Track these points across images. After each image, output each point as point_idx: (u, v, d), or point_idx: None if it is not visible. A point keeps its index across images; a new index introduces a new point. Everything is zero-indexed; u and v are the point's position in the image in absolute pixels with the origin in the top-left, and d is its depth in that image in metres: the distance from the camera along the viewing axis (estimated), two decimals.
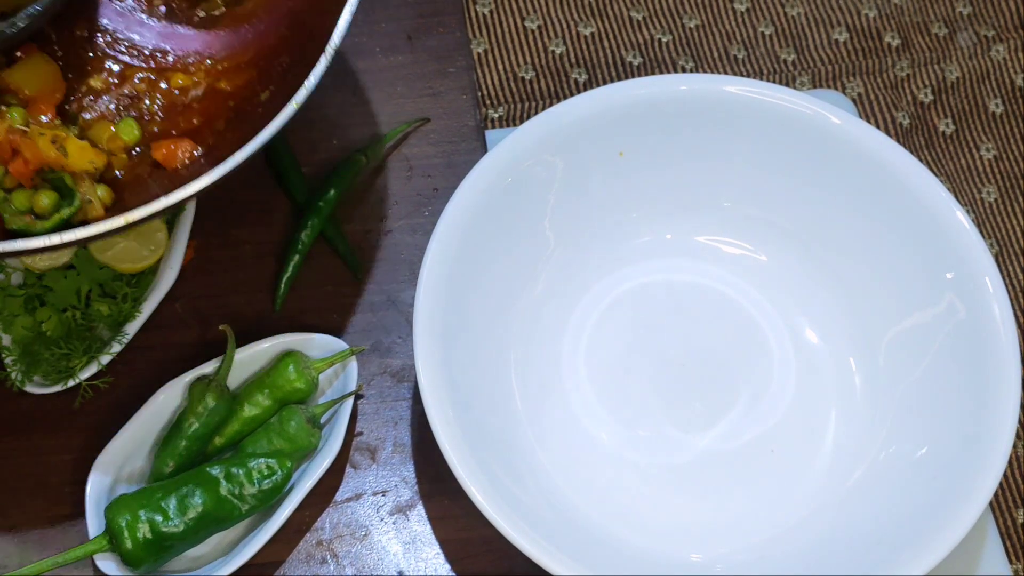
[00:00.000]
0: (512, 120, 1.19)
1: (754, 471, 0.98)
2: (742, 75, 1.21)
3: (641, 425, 0.99)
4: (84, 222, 0.82)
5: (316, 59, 0.82)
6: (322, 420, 0.95)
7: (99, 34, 0.92)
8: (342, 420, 0.94)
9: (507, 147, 0.97)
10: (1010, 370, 0.90)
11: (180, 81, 0.92)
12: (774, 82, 1.09)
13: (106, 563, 0.86)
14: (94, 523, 0.88)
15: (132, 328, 0.97)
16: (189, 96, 0.91)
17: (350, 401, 0.95)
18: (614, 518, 0.94)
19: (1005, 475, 1.06)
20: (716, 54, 1.23)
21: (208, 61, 0.92)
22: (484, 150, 1.10)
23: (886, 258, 0.99)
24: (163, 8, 0.93)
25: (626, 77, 1.21)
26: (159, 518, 0.86)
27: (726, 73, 1.21)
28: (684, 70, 1.22)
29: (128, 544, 0.85)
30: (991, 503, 1.01)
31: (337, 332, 0.99)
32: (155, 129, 0.89)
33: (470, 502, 0.85)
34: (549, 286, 1.02)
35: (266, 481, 0.89)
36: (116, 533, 0.85)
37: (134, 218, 0.76)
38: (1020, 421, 0.93)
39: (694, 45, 1.23)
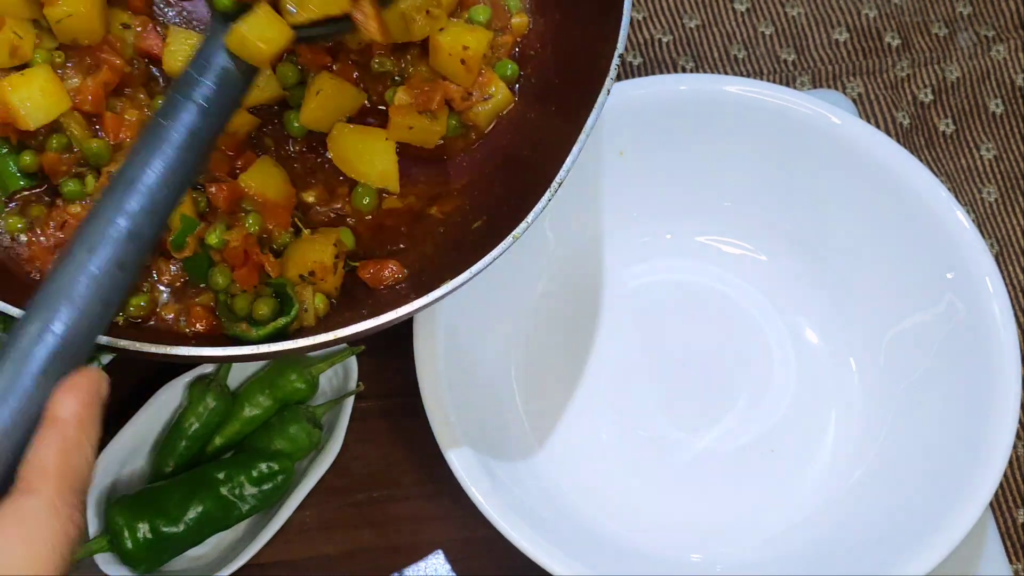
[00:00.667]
0: None
1: (754, 471, 0.98)
2: (742, 75, 1.21)
3: (641, 425, 0.99)
4: (297, 330, 0.81)
5: (533, 189, 0.78)
6: (322, 420, 0.95)
7: (313, 152, 0.89)
8: (342, 420, 0.94)
9: None
10: (1010, 370, 0.90)
11: (390, 203, 0.89)
12: (774, 82, 1.09)
13: (106, 563, 0.86)
14: (94, 523, 0.88)
15: None
16: (397, 219, 0.89)
17: (350, 401, 0.95)
18: (614, 518, 0.94)
19: (1005, 475, 1.06)
20: (716, 54, 1.23)
21: (420, 186, 0.90)
22: None
23: (886, 258, 0.99)
24: None
25: (626, 77, 1.21)
26: (159, 518, 0.86)
27: (726, 73, 1.21)
28: (684, 70, 1.22)
29: (128, 544, 0.85)
30: (991, 503, 1.01)
31: None
32: (361, 249, 0.87)
33: (470, 502, 0.85)
34: (549, 285, 1.02)
35: (266, 481, 0.89)
36: (116, 533, 0.85)
37: (341, 335, 0.75)
38: (1020, 421, 0.93)
39: (694, 45, 1.23)
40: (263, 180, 0.85)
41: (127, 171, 0.70)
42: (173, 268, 0.83)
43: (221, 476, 0.88)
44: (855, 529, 0.91)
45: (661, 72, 1.21)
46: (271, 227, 0.85)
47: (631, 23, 1.24)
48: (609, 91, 0.78)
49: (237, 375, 0.95)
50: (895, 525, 0.89)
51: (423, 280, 0.81)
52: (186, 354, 0.75)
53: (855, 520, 0.92)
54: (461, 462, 0.85)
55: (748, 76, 1.21)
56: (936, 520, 0.85)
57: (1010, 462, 1.05)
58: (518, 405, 0.98)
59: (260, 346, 0.76)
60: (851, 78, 1.22)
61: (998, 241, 1.16)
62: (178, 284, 0.83)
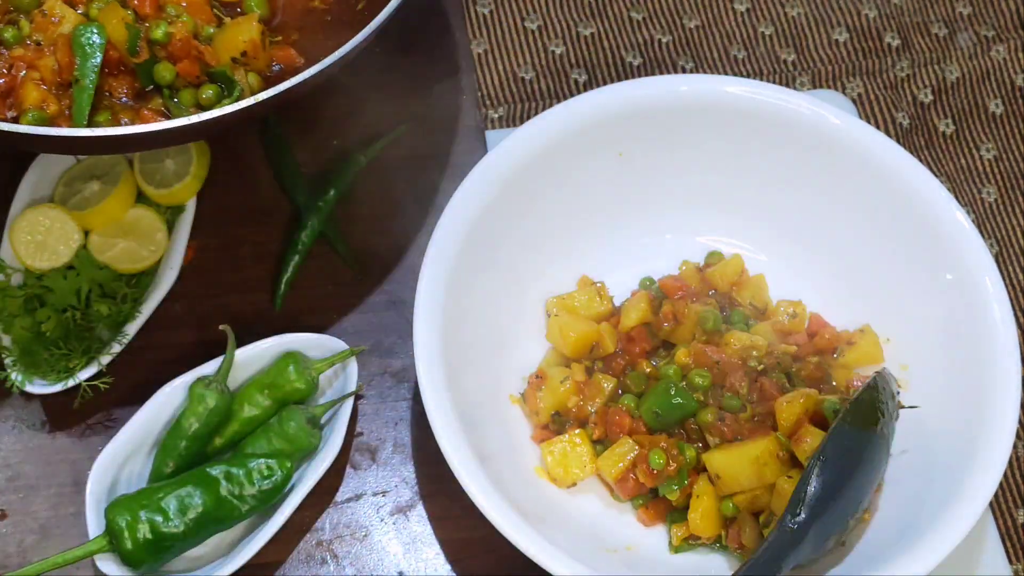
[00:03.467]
0: (512, 120, 1.19)
1: None
2: (742, 75, 1.21)
3: None
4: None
5: None
6: (322, 420, 0.95)
7: None
8: (342, 420, 0.94)
9: (507, 147, 0.97)
10: (1010, 370, 0.90)
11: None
12: (774, 82, 1.09)
13: (106, 563, 0.86)
14: (94, 523, 0.88)
15: (132, 328, 0.97)
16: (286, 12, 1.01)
17: (350, 401, 0.95)
18: (615, 519, 0.94)
19: (1005, 475, 1.06)
20: (716, 54, 1.23)
21: None
22: (484, 150, 1.10)
23: (886, 258, 0.99)
24: None
25: (626, 77, 1.21)
26: (159, 518, 0.86)
27: (726, 73, 1.21)
28: (684, 70, 1.22)
29: (128, 544, 0.85)
30: (991, 503, 1.01)
31: (337, 332, 0.99)
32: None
33: (470, 502, 0.85)
34: (549, 286, 1.02)
35: (266, 481, 0.89)
36: (116, 533, 0.85)
37: (286, 86, 0.86)
38: (1020, 421, 0.93)
39: (694, 45, 1.23)
40: None
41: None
42: (123, 89, 0.93)
43: (221, 476, 0.88)
44: (855, 529, 0.91)
45: (661, 72, 1.21)
46: (197, 22, 0.95)
47: (630, 23, 1.24)
48: None
49: (237, 375, 0.95)
50: (895, 525, 0.89)
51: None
52: (153, 129, 0.84)
53: None
54: (461, 462, 0.85)
55: (748, 76, 1.21)
56: (936, 520, 0.85)
57: (1010, 462, 1.05)
58: (518, 405, 0.98)
59: (211, 112, 0.85)
60: (851, 78, 1.22)
61: (998, 241, 1.16)
62: (129, 98, 0.93)
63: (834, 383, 0.95)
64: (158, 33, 0.92)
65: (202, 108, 0.93)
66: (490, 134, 1.13)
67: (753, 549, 0.88)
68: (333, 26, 1.01)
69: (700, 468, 0.91)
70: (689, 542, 0.91)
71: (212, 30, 0.97)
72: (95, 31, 0.91)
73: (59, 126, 0.90)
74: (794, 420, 0.89)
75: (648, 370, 0.95)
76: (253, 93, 0.92)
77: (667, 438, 0.91)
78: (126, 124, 0.92)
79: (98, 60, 0.91)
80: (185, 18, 0.94)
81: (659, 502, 0.93)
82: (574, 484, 0.93)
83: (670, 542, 0.92)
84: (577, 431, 0.93)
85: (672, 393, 0.91)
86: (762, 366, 0.93)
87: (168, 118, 0.92)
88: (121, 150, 0.94)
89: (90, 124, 0.91)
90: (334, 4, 1.02)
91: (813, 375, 0.94)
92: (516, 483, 0.90)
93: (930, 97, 1.21)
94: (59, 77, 0.92)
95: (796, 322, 0.99)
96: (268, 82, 0.96)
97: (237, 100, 0.91)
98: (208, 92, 0.94)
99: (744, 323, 0.98)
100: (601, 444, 0.93)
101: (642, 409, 0.92)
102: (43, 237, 0.97)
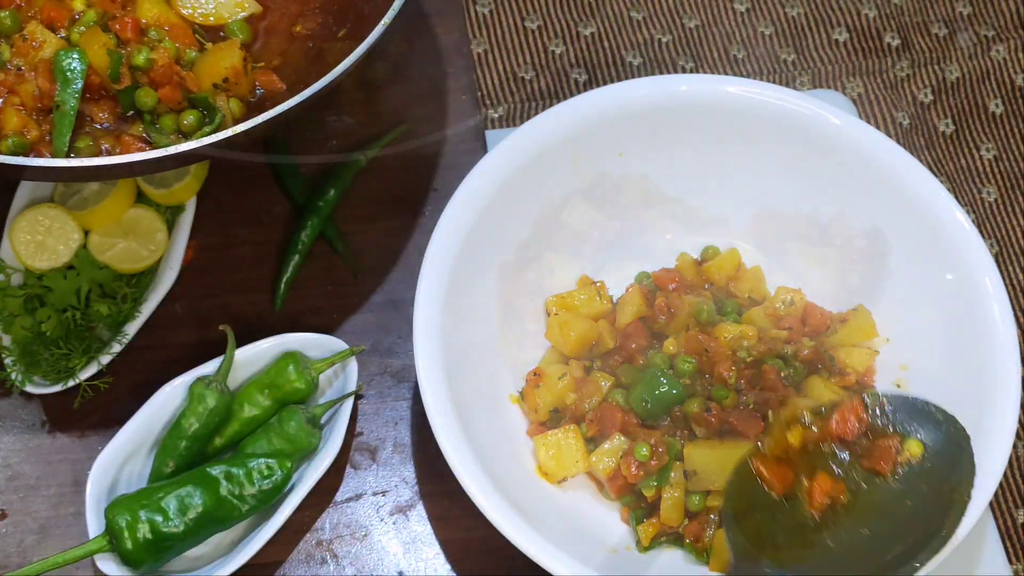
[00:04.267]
0: (512, 120, 1.19)
1: None
2: (742, 75, 1.21)
3: None
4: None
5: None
6: (322, 420, 0.95)
7: None
8: (342, 420, 0.94)
9: (507, 147, 0.97)
10: (1010, 370, 0.89)
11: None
12: (774, 82, 1.09)
13: (106, 563, 0.86)
14: (94, 523, 0.88)
15: (132, 328, 0.97)
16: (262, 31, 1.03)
17: (350, 401, 0.95)
18: (614, 519, 0.94)
19: (1005, 475, 1.06)
20: (716, 54, 1.23)
21: (282, 4, 1.03)
22: (484, 150, 1.10)
23: (885, 258, 0.99)
24: None
25: (626, 77, 1.21)
26: (159, 518, 0.86)
27: (726, 73, 1.22)
28: (684, 70, 1.22)
29: (128, 544, 0.85)
30: (991, 503, 1.01)
31: (337, 332, 0.99)
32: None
33: (470, 502, 0.85)
34: (549, 286, 1.02)
35: (266, 481, 0.89)
36: (116, 533, 0.85)
37: (264, 118, 0.85)
38: (1020, 421, 0.93)
39: (694, 45, 1.23)
40: (155, 6, 0.97)
41: None
42: (104, 114, 0.93)
43: (221, 476, 0.88)
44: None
45: (661, 72, 1.21)
46: (179, 47, 0.96)
47: (630, 23, 1.24)
48: None
49: (237, 375, 0.95)
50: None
51: (302, 88, 0.90)
52: (140, 159, 0.84)
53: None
54: (461, 462, 0.85)
55: (748, 76, 1.21)
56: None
57: (1010, 462, 1.06)
58: (517, 405, 0.98)
59: (189, 144, 0.84)
60: (851, 78, 1.22)
61: (998, 241, 1.16)
62: (110, 123, 0.93)
63: (834, 362, 0.95)
64: (140, 59, 0.92)
65: (183, 133, 0.93)
66: (490, 134, 1.13)
67: (711, 549, 0.89)
68: (315, 52, 1.01)
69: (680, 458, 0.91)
70: (658, 540, 0.91)
71: (194, 54, 0.96)
72: (76, 56, 0.91)
73: (40, 152, 0.90)
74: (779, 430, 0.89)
75: (641, 362, 0.95)
76: (234, 119, 0.92)
77: (660, 435, 0.91)
78: (107, 150, 0.92)
79: (79, 86, 0.91)
80: (167, 43, 0.95)
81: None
82: (564, 479, 0.93)
83: (638, 542, 0.91)
84: (571, 426, 0.93)
85: (659, 378, 0.91)
86: (751, 357, 0.93)
87: (149, 143, 0.92)
88: (101, 178, 0.94)
89: (71, 150, 0.90)
90: (316, 30, 1.03)
91: (809, 357, 0.94)
92: (516, 483, 0.90)
93: (930, 97, 1.21)
94: (40, 102, 0.92)
95: (793, 308, 0.99)
96: (250, 108, 0.96)
97: (218, 127, 0.91)
98: (189, 118, 0.94)
99: (736, 313, 0.98)
100: (593, 442, 0.93)
101: (631, 399, 0.92)
102: (43, 237, 0.97)
